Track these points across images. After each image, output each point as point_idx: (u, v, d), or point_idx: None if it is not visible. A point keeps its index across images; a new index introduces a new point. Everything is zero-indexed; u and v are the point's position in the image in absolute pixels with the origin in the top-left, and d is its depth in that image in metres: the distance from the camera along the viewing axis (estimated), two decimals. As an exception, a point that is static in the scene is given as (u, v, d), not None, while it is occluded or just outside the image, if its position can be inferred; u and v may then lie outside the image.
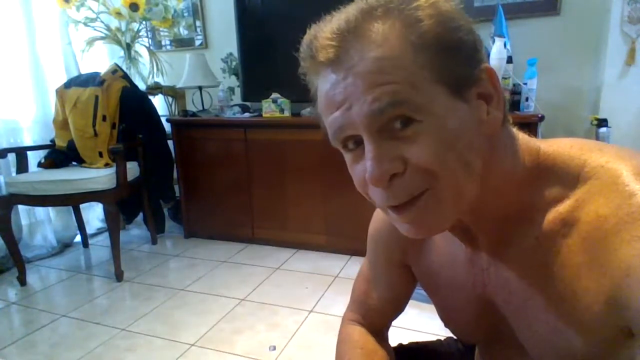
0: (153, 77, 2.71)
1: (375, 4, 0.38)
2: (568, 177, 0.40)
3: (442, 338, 0.74)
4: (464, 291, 0.52)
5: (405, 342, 0.72)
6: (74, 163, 2.34)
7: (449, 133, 0.37)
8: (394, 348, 0.69)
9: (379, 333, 0.66)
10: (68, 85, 2.33)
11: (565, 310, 0.40)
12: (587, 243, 0.37)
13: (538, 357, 0.46)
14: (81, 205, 2.49)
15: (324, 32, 0.39)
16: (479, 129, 0.40)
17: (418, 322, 1.53)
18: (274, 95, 2.23)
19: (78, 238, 2.61)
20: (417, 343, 0.73)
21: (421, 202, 0.39)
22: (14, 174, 2.19)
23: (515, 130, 0.45)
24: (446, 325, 0.60)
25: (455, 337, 0.68)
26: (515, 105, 1.92)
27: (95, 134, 2.23)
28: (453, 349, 0.71)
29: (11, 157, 2.20)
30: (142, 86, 2.60)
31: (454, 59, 0.38)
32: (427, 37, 0.37)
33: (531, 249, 0.42)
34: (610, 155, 0.39)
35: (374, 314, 0.66)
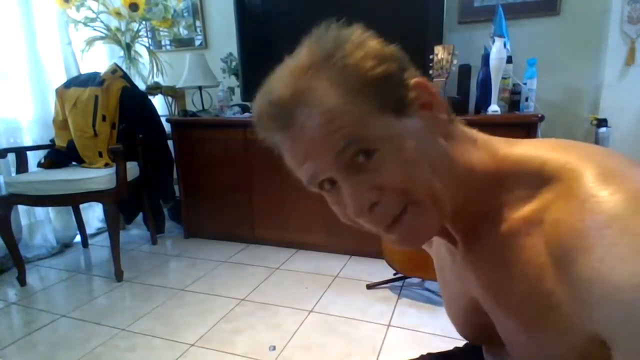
0: (153, 77, 2.71)
1: (306, 65, 0.42)
2: (531, 178, 0.41)
3: (461, 345, 0.75)
4: (453, 286, 0.55)
5: (432, 352, 0.74)
6: (73, 163, 2.34)
7: (408, 150, 0.41)
8: (421, 357, 0.72)
9: None
10: (68, 85, 2.33)
11: (531, 310, 0.40)
12: (549, 246, 0.37)
13: (516, 357, 0.46)
14: (81, 205, 2.49)
15: (269, 104, 0.43)
16: (433, 134, 0.43)
17: (419, 322, 1.53)
18: (274, 95, 2.22)
19: (78, 238, 2.61)
20: (442, 352, 0.74)
21: (406, 216, 0.42)
22: (13, 174, 2.19)
23: (474, 131, 0.48)
24: (451, 320, 0.62)
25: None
26: (515, 105, 1.92)
27: (95, 134, 2.23)
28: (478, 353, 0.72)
29: (11, 157, 2.20)
30: (142, 86, 2.60)
31: (386, 89, 0.41)
32: (358, 80, 0.40)
33: (496, 246, 0.43)
34: (572, 155, 0.39)
35: None
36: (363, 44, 0.42)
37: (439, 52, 1.64)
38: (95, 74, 2.32)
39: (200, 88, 2.63)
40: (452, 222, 0.48)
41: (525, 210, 0.40)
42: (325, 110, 0.40)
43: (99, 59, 2.75)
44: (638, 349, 0.29)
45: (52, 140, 2.37)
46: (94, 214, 2.82)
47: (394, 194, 0.41)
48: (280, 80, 0.43)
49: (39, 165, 2.28)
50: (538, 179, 0.40)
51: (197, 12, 2.79)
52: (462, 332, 0.60)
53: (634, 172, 0.35)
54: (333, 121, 0.40)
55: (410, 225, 0.43)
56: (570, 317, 0.35)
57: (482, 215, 0.45)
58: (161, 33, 2.94)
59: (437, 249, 0.59)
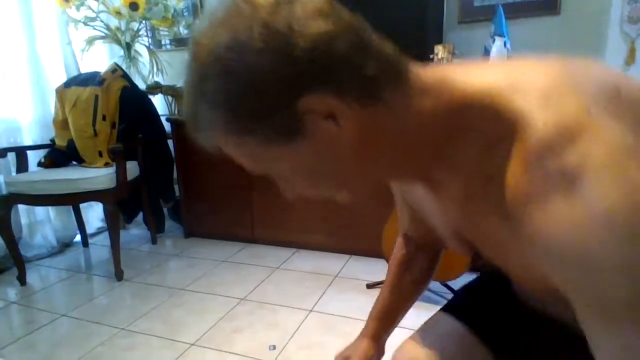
0: (153, 76, 2.71)
1: (192, 80, 0.38)
2: (486, 127, 0.38)
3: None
4: (435, 217, 0.55)
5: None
6: (73, 163, 2.34)
7: (307, 171, 0.42)
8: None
9: (414, 244, 0.76)
10: (68, 84, 2.33)
11: (501, 249, 0.42)
12: (500, 206, 0.37)
13: (524, 283, 0.49)
14: (81, 205, 2.49)
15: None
16: (338, 146, 0.39)
17: (418, 322, 1.53)
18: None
19: (78, 237, 2.61)
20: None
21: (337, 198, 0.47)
22: (13, 174, 2.19)
23: (429, 73, 0.41)
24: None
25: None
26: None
27: (95, 134, 2.23)
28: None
29: (11, 156, 2.20)
30: (142, 85, 2.60)
31: (270, 119, 0.37)
32: (237, 106, 0.37)
33: (457, 196, 0.44)
34: (533, 97, 0.35)
35: (407, 232, 0.77)
36: (235, 64, 0.35)
37: (439, 52, 1.65)
38: (95, 74, 2.32)
39: (200, 88, 2.62)
40: (410, 177, 0.47)
41: (480, 166, 0.39)
42: (217, 139, 0.40)
43: (99, 59, 2.75)
44: (586, 303, 0.32)
45: (52, 140, 2.37)
46: (94, 214, 2.82)
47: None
48: (185, 91, 0.40)
49: (39, 164, 2.28)
50: (493, 128, 0.37)
51: (197, 11, 2.79)
52: (457, 251, 0.59)
53: (603, 121, 0.32)
54: (229, 152, 0.41)
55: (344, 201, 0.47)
56: (528, 251, 0.36)
57: (441, 168, 0.43)
58: (161, 32, 2.94)
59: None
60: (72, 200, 2.11)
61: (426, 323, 0.71)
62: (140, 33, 2.67)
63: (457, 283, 1.63)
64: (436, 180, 0.45)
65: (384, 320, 0.76)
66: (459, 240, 0.52)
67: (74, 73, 2.55)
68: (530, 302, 0.61)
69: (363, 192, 0.46)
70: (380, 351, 0.75)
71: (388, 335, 0.76)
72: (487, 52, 1.87)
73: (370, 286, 1.88)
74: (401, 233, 0.78)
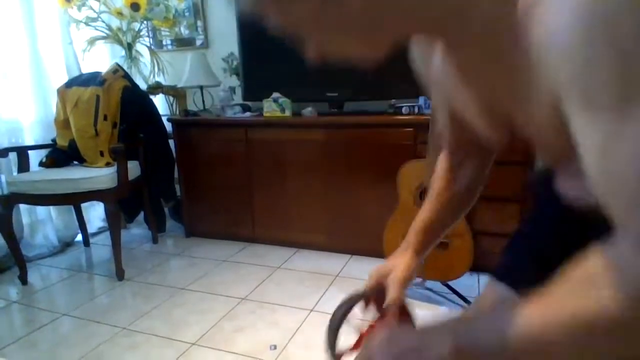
0: (154, 76, 2.72)
1: None
2: None
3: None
4: (473, 107, 0.54)
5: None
6: (75, 162, 2.34)
7: (321, 25, 0.41)
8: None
9: (458, 157, 0.72)
10: (69, 84, 2.33)
11: (510, 92, 0.42)
12: (518, 26, 0.37)
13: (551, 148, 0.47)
14: (82, 205, 2.50)
15: None
16: None
17: (419, 322, 1.53)
18: (275, 94, 2.23)
19: (79, 237, 2.62)
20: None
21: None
22: (15, 173, 2.19)
23: None
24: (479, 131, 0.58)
25: None
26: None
27: (96, 134, 2.24)
28: None
29: (12, 156, 2.20)
30: (143, 86, 2.61)
31: None
32: None
33: (469, 51, 0.44)
34: None
35: (447, 140, 0.73)
36: None
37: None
38: (97, 74, 2.33)
39: (201, 88, 2.63)
40: (426, 31, 0.46)
41: (495, 15, 0.39)
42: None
43: (101, 59, 2.76)
44: (575, 95, 0.32)
45: (53, 140, 2.38)
46: (95, 213, 2.82)
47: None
48: None
49: (41, 164, 2.28)
50: None
51: (199, 11, 2.80)
52: (497, 140, 0.58)
53: None
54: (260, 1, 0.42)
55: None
56: (538, 83, 0.37)
57: (458, 21, 0.41)
58: (162, 33, 2.94)
59: (436, 64, 0.56)
60: (74, 199, 2.12)
61: (483, 294, 0.71)
62: (141, 33, 2.68)
63: (458, 283, 1.63)
64: (453, 38, 0.44)
65: (428, 234, 0.73)
66: (493, 121, 0.51)
67: (76, 73, 2.56)
68: (575, 201, 0.58)
69: (380, 45, 0.44)
70: (418, 268, 0.73)
71: (427, 253, 0.74)
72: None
73: (370, 286, 1.88)
74: (444, 150, 0.75)
